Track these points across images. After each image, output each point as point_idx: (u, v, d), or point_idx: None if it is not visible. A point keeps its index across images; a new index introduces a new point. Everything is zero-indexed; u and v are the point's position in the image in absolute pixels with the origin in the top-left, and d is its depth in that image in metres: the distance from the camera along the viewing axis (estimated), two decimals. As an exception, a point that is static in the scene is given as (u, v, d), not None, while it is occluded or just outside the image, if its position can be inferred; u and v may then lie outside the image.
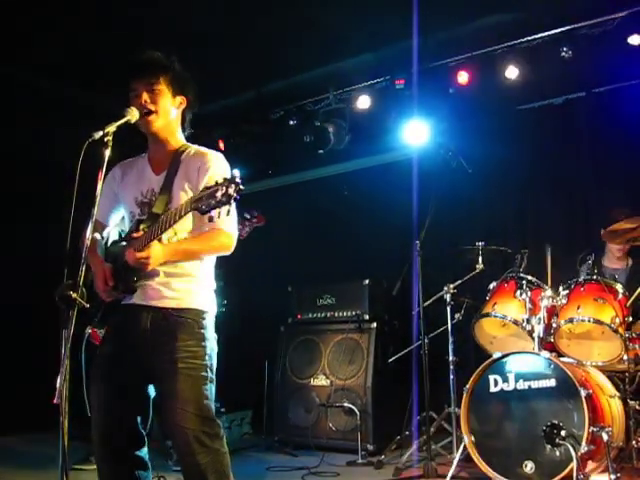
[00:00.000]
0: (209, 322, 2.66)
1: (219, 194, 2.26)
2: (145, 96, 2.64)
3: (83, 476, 4.53)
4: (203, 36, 5.23)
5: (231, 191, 2.26)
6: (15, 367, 6.23)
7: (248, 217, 4.77)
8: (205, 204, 2.30)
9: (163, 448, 4.86)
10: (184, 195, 2.61)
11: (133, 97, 2.67)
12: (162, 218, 2.48)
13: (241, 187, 2.28)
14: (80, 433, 2.92)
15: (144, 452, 2.65)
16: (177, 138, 2.80)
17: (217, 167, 2.65)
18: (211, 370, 2.60)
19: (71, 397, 2.17)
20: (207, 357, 2.58)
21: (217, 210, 2.30)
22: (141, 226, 2.59)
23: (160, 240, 2.49)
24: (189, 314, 2.59)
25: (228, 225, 2.62)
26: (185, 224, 2.60)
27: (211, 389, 2.58)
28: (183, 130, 2.85)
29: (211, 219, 2.36)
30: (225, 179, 2.30)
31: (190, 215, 2.49)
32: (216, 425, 2.54)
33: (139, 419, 2.62)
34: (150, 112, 2.64)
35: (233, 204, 2.31)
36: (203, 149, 2.77)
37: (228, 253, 2.68)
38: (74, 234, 2.34)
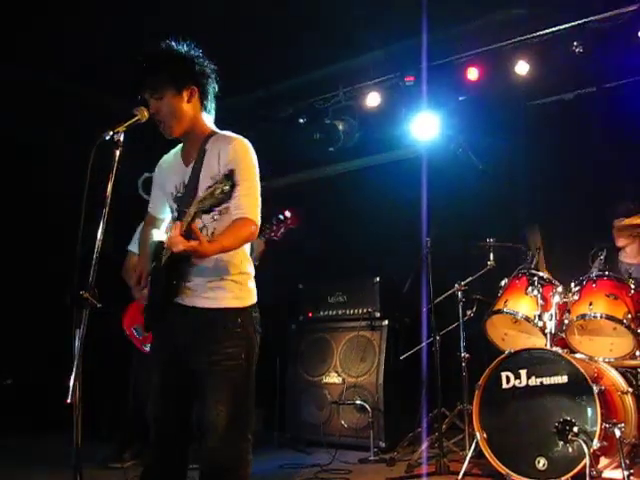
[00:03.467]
0: (246, 318, 2.59)
1: (217, 192, 2.27)
2: (153, 105, 2.58)
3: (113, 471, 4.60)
4: (211, 34, 5.22)
5: (226, 188, 2.27)
6: (45, 366, 6.26)
7: (282, 219, 4.64)
8: (208, 204, 2.31)
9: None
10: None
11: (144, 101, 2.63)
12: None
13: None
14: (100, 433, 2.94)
15: (188, 450, 2.67)
16: (201, 124, 2.68)
17: (239, 152, 2.57)
18: (249, 368, 2.58)
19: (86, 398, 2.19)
20: (244, 355, 2.55)
21: (219, 208, 2.36)
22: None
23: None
24: (224, 314, 2.55)
25: (254, 212, 2.54)
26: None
27: (249, 385, 2.59)
28: (208, 112, 2.72)
29: (237, 207, 2.45)
30: (224, 176, 2.30)
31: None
32: (247, 428, 2.58)
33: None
34: (159, 122, 2.60)
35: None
36: (228, 134, 2.66)
37: (253, 240, 2.64)
38: (84, 236, 2.34)
